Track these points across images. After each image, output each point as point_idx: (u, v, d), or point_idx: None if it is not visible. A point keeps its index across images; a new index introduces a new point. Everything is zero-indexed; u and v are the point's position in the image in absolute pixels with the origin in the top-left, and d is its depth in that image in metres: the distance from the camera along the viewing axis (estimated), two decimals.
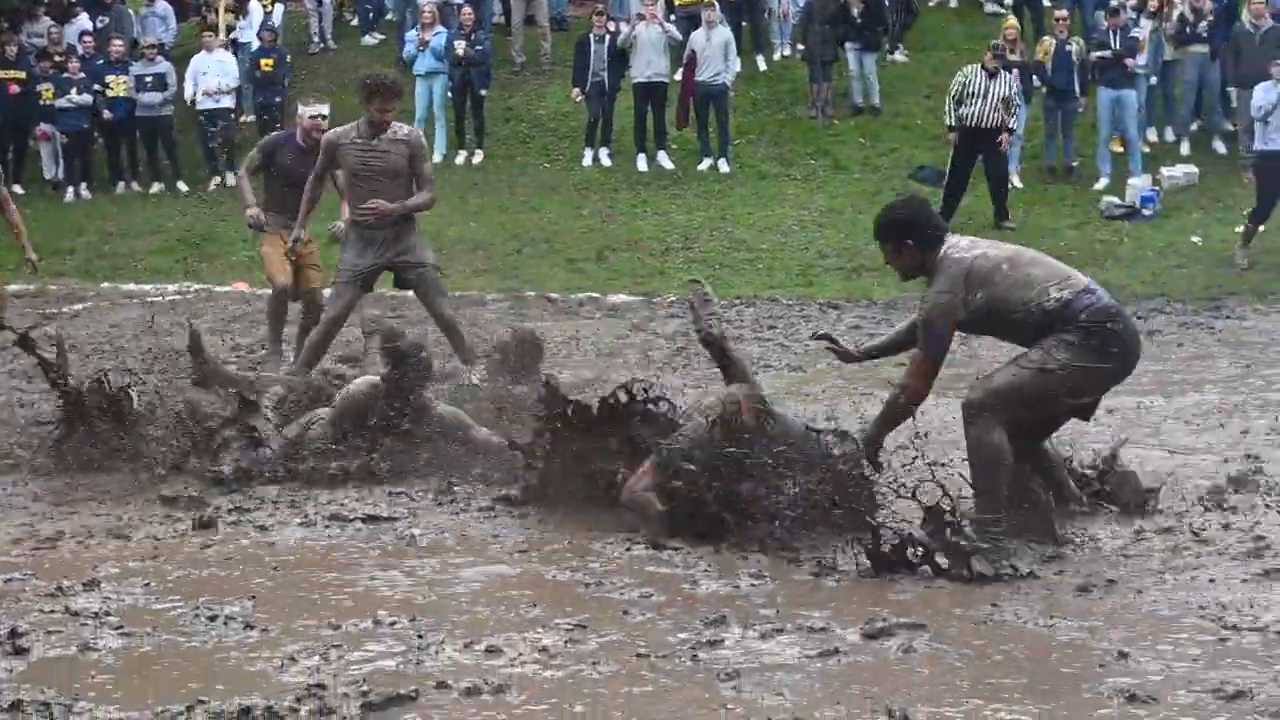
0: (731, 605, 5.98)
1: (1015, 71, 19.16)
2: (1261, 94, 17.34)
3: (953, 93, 18.90)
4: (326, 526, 7.29)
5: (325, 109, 11.80)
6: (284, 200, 11.49)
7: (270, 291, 12.05)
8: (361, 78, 10.74)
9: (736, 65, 21.36)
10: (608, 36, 20.95)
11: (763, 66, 23.37)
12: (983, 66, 18.72)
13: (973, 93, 18.63)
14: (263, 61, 21.96)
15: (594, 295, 16.70)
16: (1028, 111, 20.39)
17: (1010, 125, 18.90)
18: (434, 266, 10.52)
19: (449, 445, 8.53)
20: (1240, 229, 18.28)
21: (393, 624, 5.77)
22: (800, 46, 22.95)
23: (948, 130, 19.26)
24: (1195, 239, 18.72)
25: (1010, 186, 20.16)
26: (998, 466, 6.65)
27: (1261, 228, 17.56)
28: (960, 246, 6.88)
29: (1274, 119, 17.06)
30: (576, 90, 21.39)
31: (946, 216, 18.89)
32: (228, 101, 21.78)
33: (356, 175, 10.31)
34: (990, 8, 24.01)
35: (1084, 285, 6.78)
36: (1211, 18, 20.47)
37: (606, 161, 21.37)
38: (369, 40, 24.99)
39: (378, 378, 8.66)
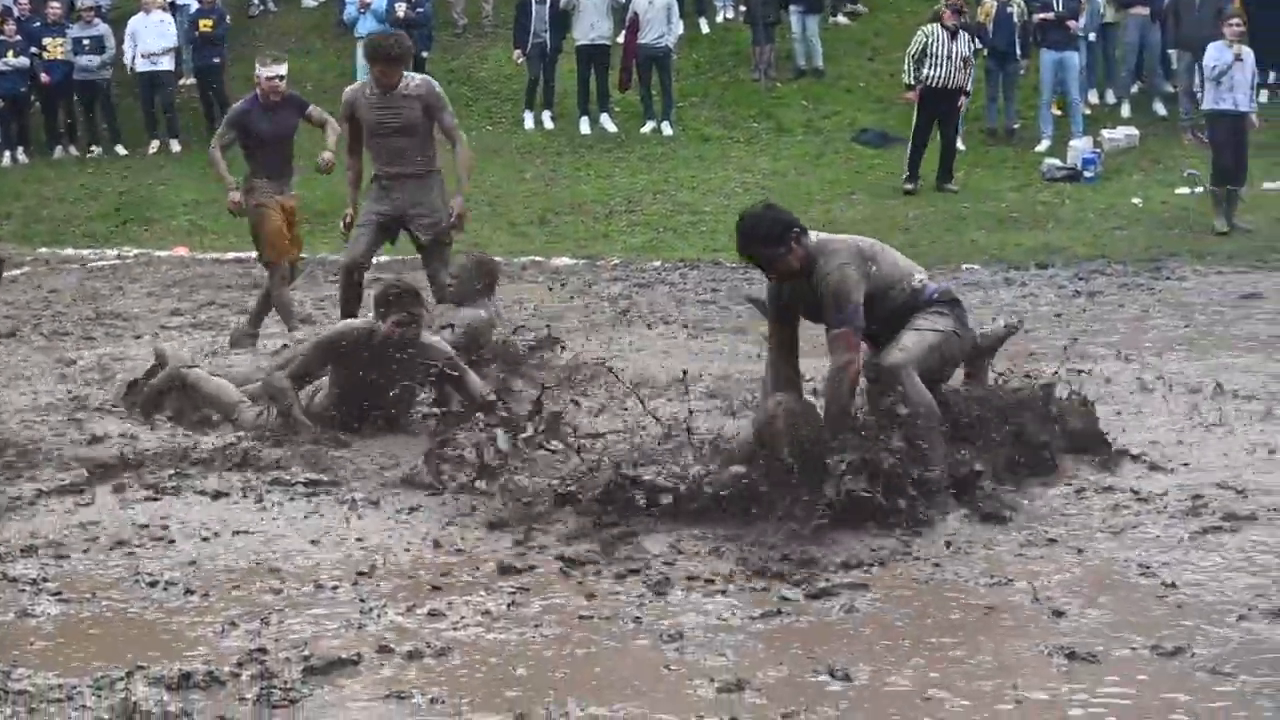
0: (673, 566, 5.98)
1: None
2: (1214, 54, 17.39)
3: (913, 52, 18.76)
4: (268, 491, 7.24)
5: (283, 69, 11.70)
6: (268, 165, 11.52)
7: (268, 273, 11.87)
8: (369, 37, 10.66)
9: (679, 28, 21.32)
10: None
11: (705, 29, 23.34)
12: (943, 25, 18.59)
13: (935, 53, 18.50)
14: (201, 22, 21.75)
15: (537, 259, 16.67)
16: (972, 74, 20.42)
17: (967, 88, 18.85)
18: (447, 228, 10.39)
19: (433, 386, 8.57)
20: (1191, 190, 18.45)
21: (334, 589, 5.76)
22: (743, 8, 22.92)
23: (906, 89, 19.20)
24: (1136, 201, 18.81)
25: (956, 149, 20.23)
26: (934, 415, 6.77)
27: (1234, 188, 17.62)
28: (824, 235, 7.07)
29: (1226, 79, 17.12)
30: (518, 52, 21.30)
31: (913, 178, 18.93)
32: (166, 64, 21.57)
33: (373, 133, 10.26)
34: None
35: (925, 278, 7.18)
36: None
37: (549, 124, 21.31)
38: (309, 2, 24.84)
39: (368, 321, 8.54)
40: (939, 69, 18.43)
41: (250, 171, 11.64)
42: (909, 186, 18.94)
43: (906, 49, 19.18)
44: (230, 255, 16.87)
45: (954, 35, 18.49)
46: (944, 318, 7.02)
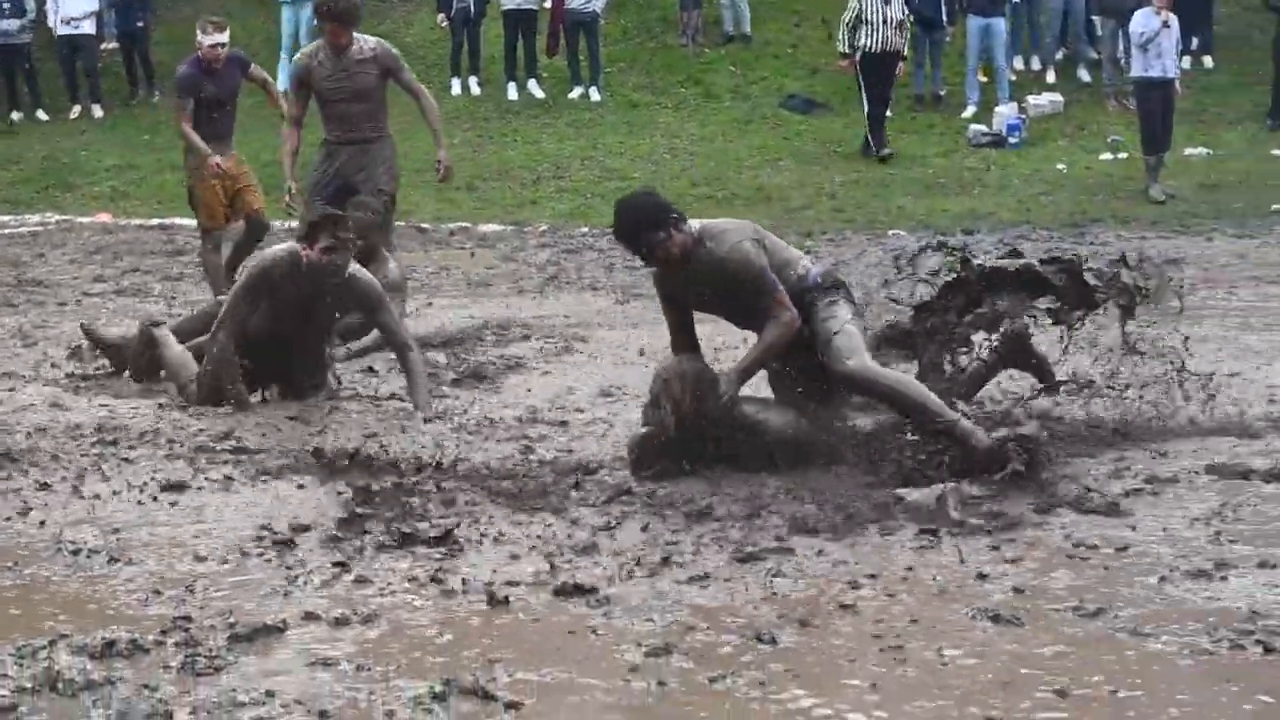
0: (601, 530, 5.98)
1: None
2: (1142, 21, 17.51)
3: (846, 20, 18.74)
4: (193, 459, 7.20)
5: (224, 36, 11.66)
6: (214, 127, 11.47)
7: (202, 238, 11.88)
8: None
9: None
10: None
11: None
12: None
13: (869, 19, 18.46)
14: None
15: (465, 225, 16.64)
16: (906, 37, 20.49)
17: (904, 52, 18.82)
18: (388, 197, 10.32)
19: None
20: (1114, 156, 18.58)
21: (260, 555, 5.73)
22: None
23: (840, 58, 19.18)
24: (1060, 166, 18.96)
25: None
26: (906, 385, 6.75)
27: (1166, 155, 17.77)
28: (707, 221, 7.01)
29: (1153, 46, 17.23)
30: (441, 16, 21.19)
31: (879, 146, 18.92)
32: (88, 28, 21.33)
33: (327, 99, 10.16)
34: None
35: (806, 263, 7.01)
36: None
37: (476, 90, 21.24)
38: None
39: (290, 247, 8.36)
40: (874, 35, 18.42)
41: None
42: (885, 152, 18.89)
43: (838, 17, 19.18)
44: (154, 221, 16.74)
45: (887, 0, 18.47)
46: (840, 305, 6.85)
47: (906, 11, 18.79)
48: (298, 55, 10.47)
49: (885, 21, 18.44)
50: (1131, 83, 18.92)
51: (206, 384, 8.28)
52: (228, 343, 8.18)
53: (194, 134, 11.38)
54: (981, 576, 5.36)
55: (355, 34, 10.20)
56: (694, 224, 6.85)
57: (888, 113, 20.09)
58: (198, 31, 11.69)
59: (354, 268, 8.34)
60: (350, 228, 8.29)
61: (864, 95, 19.03)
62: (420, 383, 8.27)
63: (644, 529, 6.04)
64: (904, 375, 6.89)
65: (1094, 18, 20.88)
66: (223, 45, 11.52)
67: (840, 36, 19.03)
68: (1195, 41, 20.73)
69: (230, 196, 11.59)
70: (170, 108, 11.70)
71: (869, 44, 18.47)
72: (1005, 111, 19.93)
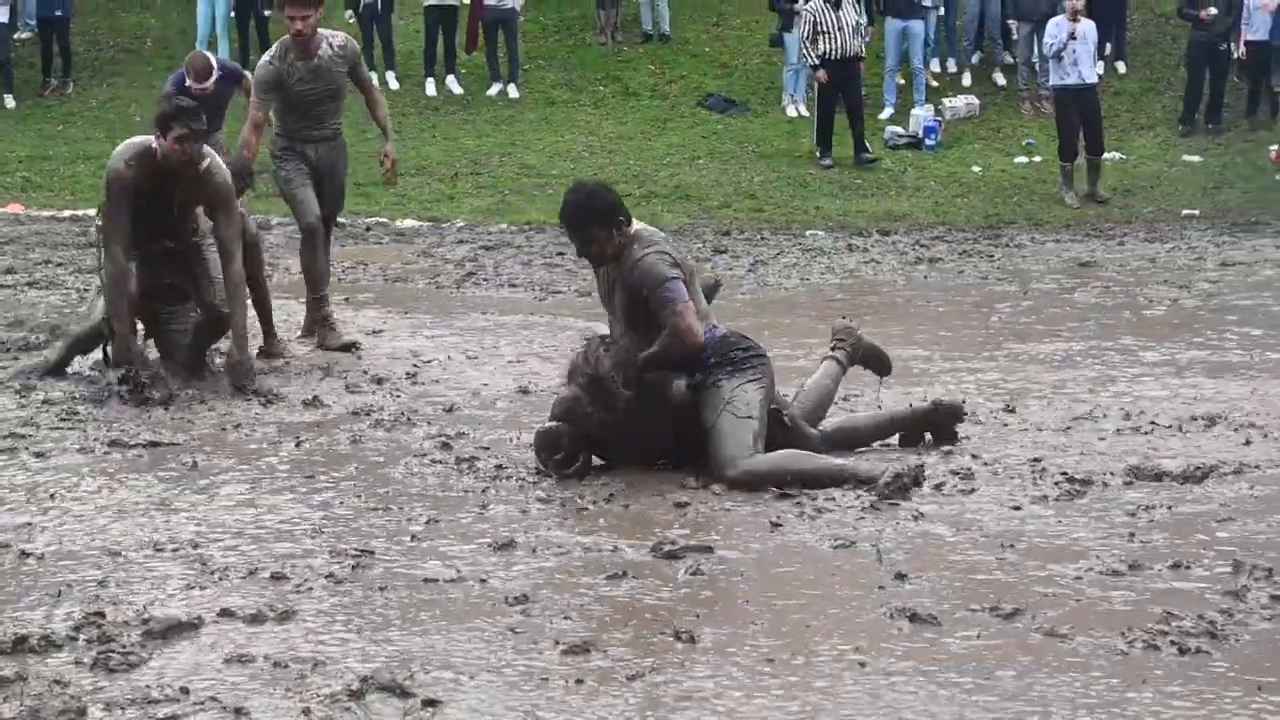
0: (520, 530, 5.97)
1: None
2: (1051, 31, 17.68)
3: (805, 33, 18.72)
4: (106, 452, 7.13)
5: (210, 82, 12.09)
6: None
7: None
8: None
9: None
10: None
11: None
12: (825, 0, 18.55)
13: (825, 28, 18.42)
14: None
15: (382, 220, 16.57)
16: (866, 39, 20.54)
17: (862, 54, 18.79)
18: (385, 181, 10.62)
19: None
20: (1028, 159, 18.71)
21: (175, 550, 5.68)
22: None
23: (813, 70, 19.19)
24: (976, 169, 19.10)
25: (800, 115, 20.38)
26: (788, 463, 6.68)
27: (1094, 159, 17.89)
28: (648, 228, 6.98)
29: (1067, 55, 17.37)
30: (349, 13, 21.04)
31: (825, 154, 18.90)
32: (1, 16, 21.03)
33: (297, 102, 9.69)
34: None
35: (711, 324, 6.91)
36: None
37: (394, 85, 21.13)
38: None
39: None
40: (832, 42, 18.37)
41: None
42: (825, 162, 18.86)
43: (764, 19, 19.20)
44: (66, 213, 16.55)
45: (838, 5, 18.42)
46: (721, 387, 6.76)
47: (860, 12, 18.70)
48: (263, 61, 9.78)
49: (840, 28, 18.37)
50: (1047, 89, 19.16)
51: (111, 307, 8.30)
52: (120, 255, 8.21)
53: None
54: (900, 576, 5.38)
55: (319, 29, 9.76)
56: (635, 227, 6.87)
57: (803, 110, 20.20)
58: (187, 79, 12.05)
59: (212, 164, 8.32)
60: (202, 120, 8.31)
61: (818, 104, 19.02)
62: (238, 296, 8.41)
63: (561, 525, 6.03)
64: (784, 455, 6.72)
65: (1009, 22, 21.03)
66: (211, 85, 11.95)
67: (804, 50, 18.98)
68: (1109, 48, 20.90)
69: None
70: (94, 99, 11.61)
71: (830, 51, 18.38)
72: (922, 114, 20.06)
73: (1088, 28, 17.50)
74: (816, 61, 18.73)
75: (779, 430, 6.89)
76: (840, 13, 18.38)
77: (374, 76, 20.73)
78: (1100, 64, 17.90)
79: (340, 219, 10.67)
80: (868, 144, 19.06)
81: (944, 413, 7.36)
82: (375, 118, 10.30)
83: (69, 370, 8.75)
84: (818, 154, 19.05)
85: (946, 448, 7.16)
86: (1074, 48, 17.35)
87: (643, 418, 6.74)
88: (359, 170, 18.22)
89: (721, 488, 6.53)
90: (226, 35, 21.13)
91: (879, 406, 7.80)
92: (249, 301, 8.72)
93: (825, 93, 18.74)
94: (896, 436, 7.41)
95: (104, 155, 11.73)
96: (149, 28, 21.53)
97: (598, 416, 6.70)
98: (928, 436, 7.35)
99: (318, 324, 9.78)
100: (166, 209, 8.31)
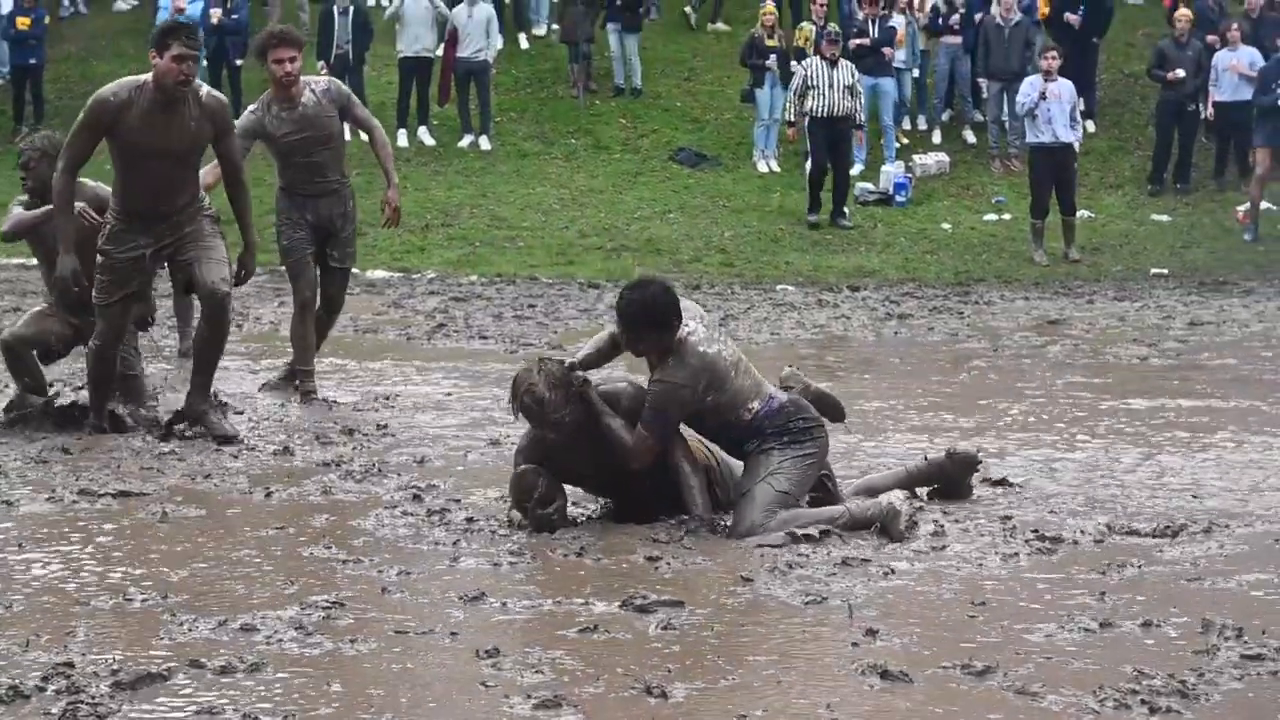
0: (491, 582, 5.96)
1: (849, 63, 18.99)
2: (1024, 90, 17.81)
3: (795, 87, 18.76)
4: (75, 501, 7.10)
5: None
6: None
7: None
8: (262, 35, 9.89)
9: (499, 42, 21.29)
10: (351, 8, 20.57)
11: (525, 44, 23.35)
12: (822, 57, 18.58)
13: (816, 85, 18.43)
14: (19, 20, 21.22)
15: (353, 270, 16.52)
16: (785, 97, 20.62)
17: (859, 119, 18.77)
18: (385, 224, 10.24)
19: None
20: (998, 216, 18.76)
21: (144, 601, 5.65)
22: (555, 27, 22.97)
23: (787, 125, 19.25)
24: (945, 226, 19.20)
25: (770, 171, 20.46)
26: (793, 522, 6.70)
27: (1068, 218, 17.99)
28: (699, 335, 6.74)
29: (1040, 113, 17.48)
30: (321, 63, 21.04)
31: (814, 210, 18.91)
32: None
33: (290, 154, 9.47)
34: None
35: (768, 394, 6.84)
36: (964, 10, 20.93)
37: (364, 136, 21.13)
38: (122, 6, 24.46)
39: None
40: (821, 99, 18.37)
41: None
42: (811, 219, 18.86)
43: (736, 73, 19.23)
44: (34, 261, 16.47)
45: (834, 64, 18.44)
46: (770, 455, 6.75)
47: (856, 76, 18.74)
48: (246, 113, 9.52)
49: (832, 86, 18.39)
50: (1017, 147, 19.31)
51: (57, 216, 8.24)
52: (65, 175, 8.12)
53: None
54: (871, 633, 5.38)
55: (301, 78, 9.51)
56: (697, 331, 6.74)
57: (775, 166, 20.29)
58: None
59: (208, 90, 8.24)
60: (200, 42, 8.25)
61: (809, 160, 19.03)
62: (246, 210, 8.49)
63: (532, 578, 6.02)
64: (790, 515, 6.71)
65: (980, 80, 21.16)
66: None
67: (788, 104, 19.04)
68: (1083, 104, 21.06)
69: None
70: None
71: (815, 108, 18.40)
72: (891, 170, 20.15)
73: (1062, 87, 17.61)
74: (793, 118, 18.78)
75: (822, 494, 7.00)
76: (835, 72, 18.38)
77: (346, 127, 20.94)
78: (1079, 126, 17.90)
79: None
80: (847, 209, 19.05)
81: (959, 463, 7.34)
82: (378, 157, 9.98)
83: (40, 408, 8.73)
84: (807, 208, 19.00)
85: (919, 504, 7.16)
86: (1047, 106, 17.45)
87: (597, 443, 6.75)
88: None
89: (693, 542, 6.53)
90: (208, 79, 21.13)
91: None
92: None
93: (815, 150, 18.74)
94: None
95: None
96: (119, 78, 21.53)
97: (550, 435, 6.69)
98: (922, 492, 7.35)
99: (294, 389, 9.71)
100: (167, 149, 8.06)
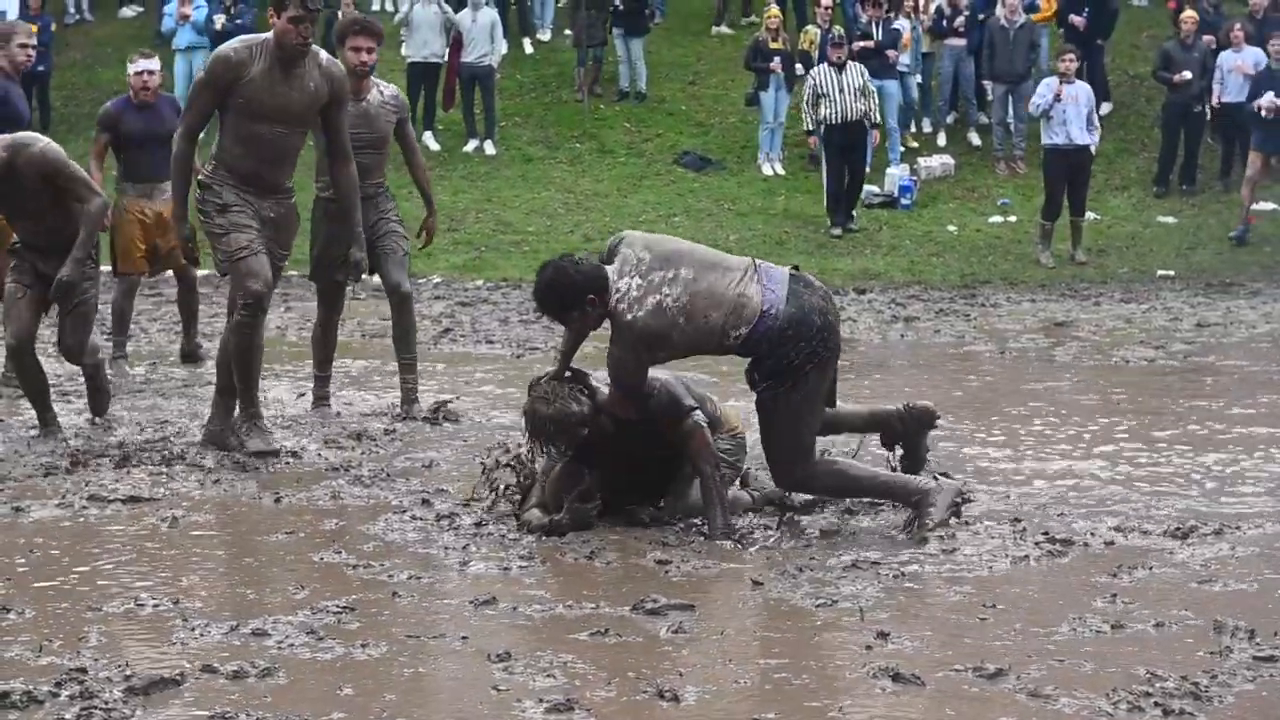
0: (502, 586, 5.96)
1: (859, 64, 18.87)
2: (1042, 89, 17.80)
3: (806, 98, 18.72)
4: (85, 506, 7.11)
5: (152, 64, 11.22)
6: (139, 167, 11.07)
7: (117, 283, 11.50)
8: (344, 20, 9.58)
9: (503, 47, 21.29)
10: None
11: (529, 49, 23.35)
12: (829, 63, 18.54)
13: (827, 91, 18.40)
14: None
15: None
16: (789, 100, 20.63)
17: (873, 119, 18.66)
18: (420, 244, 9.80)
19: None
20: (1004, 219, 18.74)
21: (156, 606, 5.65)
22: (568, 32, 22.98)
23: (807, 135, 19.25)
24: (951, 228, 19.18)
25: (775, 174, 20.46)
26: (847, 480, 6.83)
27: (1077, 220, 17.98)
28: (629, 299, 6.55)
29: (1055, 114, 17.47)
30: None
31: (836, 222, 18.84)
32: None
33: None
34: None
35: (758, 312, 6.57)
36: (968, 12, 20.92)
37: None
38: (127, 13, 24.51)
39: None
40: (833, 105, 18.30)
41: (119, 174, 11.24)
42: (835, 232, 18.80)
43: (740, 77, 19.19)
44: None
45: (841, 69, 18.39)
46: (779, 379, 6.62)
47: (866, 77, 18.68)
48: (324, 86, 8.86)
49: (842, 91, 18.33)
50: (1022, 149, 19.36)
51: (173, 181, 8.12)
52: (185, 139, 7.96)
53: (94, 169, 10.74)
54: (882, 635, 5.38)
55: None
56: (628, 293, 6.56)
57: (779, 169, 20.30)
58: (128, 63, 11.39)
59: (325, 55, 8.07)
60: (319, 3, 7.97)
61: (824, 170, 18.99)
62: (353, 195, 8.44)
63: (543, 582, 6.02)
64: (844, 471, 6.82)
65: (984, 82, 21.15)
66: (150, 73, 11.08)
67: (804, 114, 18.99)
68: (1106, 108, 21.06)
69: (152, 243, 11.14)
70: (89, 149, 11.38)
71: (829, 115, 18.34)
72: (897, 173, 20.14)
73: (1079, 90, 17.60)
74: (812, 126, 18.75)
75: None
76: (844, 75, 18.33)
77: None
78: (1097, 129, 17.87)
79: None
80: (855, 212, 19.02)
81: (916, 417, 7.30)
82: (417, 181, 9.81)
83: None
84: (830, 221, 18.93)
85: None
86: (1063, 108, 17.43)
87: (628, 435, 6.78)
88: None
89: (703, 545, 6.54)
90: None
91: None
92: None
93: (831, 159, 18.68)
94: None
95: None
96: (126, 85, 21.51)
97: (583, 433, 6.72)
98: (898, 452, 7.35)
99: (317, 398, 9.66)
100: (285, 111, 7.89)
